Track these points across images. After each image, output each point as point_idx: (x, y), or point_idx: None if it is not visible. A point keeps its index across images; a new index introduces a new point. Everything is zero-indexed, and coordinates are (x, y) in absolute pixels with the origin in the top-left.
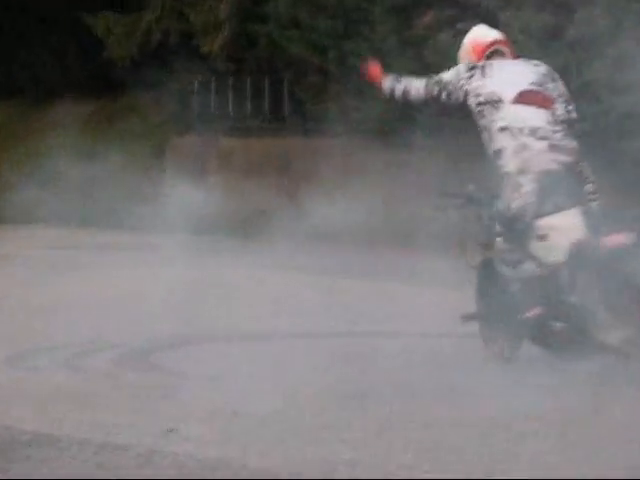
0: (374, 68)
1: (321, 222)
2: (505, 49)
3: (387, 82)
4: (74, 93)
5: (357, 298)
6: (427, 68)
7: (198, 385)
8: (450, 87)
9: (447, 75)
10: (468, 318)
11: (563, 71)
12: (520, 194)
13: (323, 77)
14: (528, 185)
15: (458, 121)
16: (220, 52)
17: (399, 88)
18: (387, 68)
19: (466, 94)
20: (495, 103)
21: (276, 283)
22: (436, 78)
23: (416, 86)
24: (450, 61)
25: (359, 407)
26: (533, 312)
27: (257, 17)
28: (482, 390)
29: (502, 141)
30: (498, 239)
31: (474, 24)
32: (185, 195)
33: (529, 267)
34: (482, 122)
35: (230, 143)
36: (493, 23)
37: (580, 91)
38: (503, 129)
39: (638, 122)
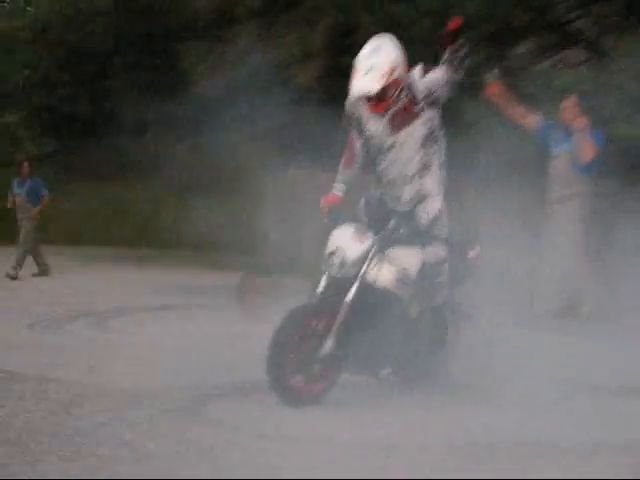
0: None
1: None
2: None
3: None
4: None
5: None
6: (524, 99)
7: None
8: None
9: None
10: None
11: None
12: (449, 216)
13: None
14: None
15: None
16: (314, 83)
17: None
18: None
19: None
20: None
21: None
22: None
23: None
24: (551, 91)
25: None
26: None
27: (346, 49)
28: None
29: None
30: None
31: (576, 52)
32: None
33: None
34: (440, 133)
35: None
36: (594, 49)
37: None
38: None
39: None
